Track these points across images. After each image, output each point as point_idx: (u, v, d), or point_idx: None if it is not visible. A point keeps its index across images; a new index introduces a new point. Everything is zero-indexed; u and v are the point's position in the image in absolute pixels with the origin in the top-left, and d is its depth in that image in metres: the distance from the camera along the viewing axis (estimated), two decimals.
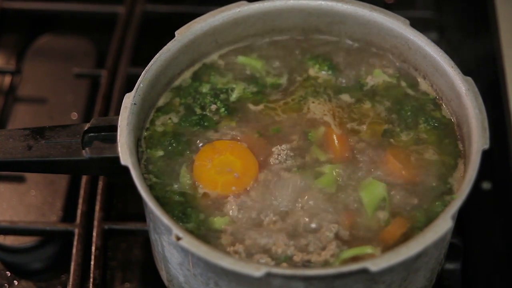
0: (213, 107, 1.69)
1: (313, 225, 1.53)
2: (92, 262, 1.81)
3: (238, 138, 1.65)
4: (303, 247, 1.50)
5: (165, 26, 1.93)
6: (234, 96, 1.71)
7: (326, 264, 1.48)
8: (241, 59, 1.77)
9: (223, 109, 1.68)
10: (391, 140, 1.64)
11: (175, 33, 1.70)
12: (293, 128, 1.66)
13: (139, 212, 1.72)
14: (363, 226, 1.53)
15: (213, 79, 1.73)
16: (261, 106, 1.70)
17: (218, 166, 1.59)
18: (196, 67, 1.76)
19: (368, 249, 1.49)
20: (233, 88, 1.72)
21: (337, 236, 1.51)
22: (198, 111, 1.69)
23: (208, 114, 1.68)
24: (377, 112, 1.68)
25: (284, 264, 1.47)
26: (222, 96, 1.70)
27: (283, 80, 1.74)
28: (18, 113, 2.18)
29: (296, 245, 1.50)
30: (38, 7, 2.41)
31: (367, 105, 1.69)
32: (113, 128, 1.57)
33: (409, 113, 1.68)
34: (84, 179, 1.95)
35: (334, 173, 1.59)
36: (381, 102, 1.70)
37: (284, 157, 1.61)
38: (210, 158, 1.60)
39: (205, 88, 1.72)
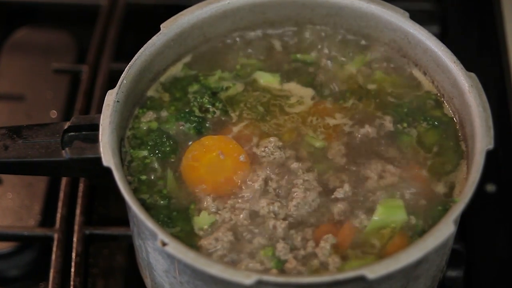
0: (210, 108, 1.68)
1: (307, 232, 1.53)
2: (73, 269, 1.80)
3: (231, 134, 1.64)
4: (296, 254, 1.50)
5: (150, 19, 1.93)
6: (228, 93, 1.71)
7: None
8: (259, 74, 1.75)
9: (220, 110, 1.68)
10: (389, 140, 1.64)
11: (161, 26, 1.70)
12: (289, 124, 1.66)
13: (122, 216, 1.72)
14: (363, 238, 1.52)
15: (202, 78, 1.72)
16: (255, 102, 1.70)
17: (207, 165, 1.59)
18: (183, 61, 1.75)
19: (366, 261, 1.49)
20: (228, 87, 1.72)
21: (332, 247, 1.50)
22: (196, 111, 1.68)
23: (202, 114, 1.68)
24: (374, 111, 1.68)
25: (275, 271, 1.47)
26: (217, 95, 1.70)
27: (279, 77, 1.74)
28: None
29: (289, 251, 1.50)
30: None
31: (362, 103, 1.69)
32: (95, 127, 1.57)
33: (406, 111, 1.67)
34: (64, 181, 1.95)
35: (330, 174, 1.59)
36: (378, 100, 1.70)
37: (272, 149, 1.61)
38: (199, 157, 1.60)
39: (194, 87, 1.71)
